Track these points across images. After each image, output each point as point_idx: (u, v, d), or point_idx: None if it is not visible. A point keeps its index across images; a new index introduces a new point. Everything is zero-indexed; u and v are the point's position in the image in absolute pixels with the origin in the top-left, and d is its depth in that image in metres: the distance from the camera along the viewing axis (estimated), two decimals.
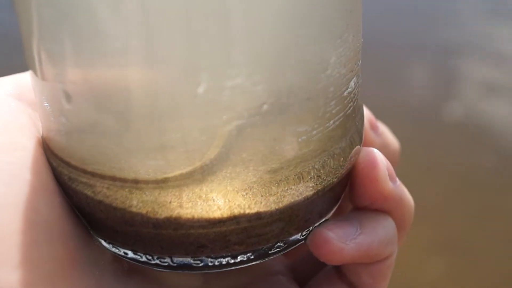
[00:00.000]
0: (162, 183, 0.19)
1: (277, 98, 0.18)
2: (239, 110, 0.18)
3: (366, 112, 0.26)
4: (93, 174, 0.20)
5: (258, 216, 0.20)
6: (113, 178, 0.20)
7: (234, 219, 0.20)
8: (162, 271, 0.22)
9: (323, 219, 0.23)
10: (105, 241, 0.22)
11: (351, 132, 0.22)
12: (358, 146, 0.23)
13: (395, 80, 1.21)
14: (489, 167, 0.97)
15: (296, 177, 0.20)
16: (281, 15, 0.17)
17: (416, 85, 1.20)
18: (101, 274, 0.22)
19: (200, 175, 0.19)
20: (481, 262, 0.80)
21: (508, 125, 1.05)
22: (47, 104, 0.20)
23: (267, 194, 0.20)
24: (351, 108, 0.21)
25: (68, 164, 0.20)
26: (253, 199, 0.20)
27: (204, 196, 0.19)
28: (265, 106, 0.18)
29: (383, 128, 0.26)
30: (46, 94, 0.20)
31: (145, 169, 0.19)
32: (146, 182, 0.19)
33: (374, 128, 0.26)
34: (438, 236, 0.84)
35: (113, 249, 0.22)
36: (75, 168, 0.20)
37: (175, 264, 0.21)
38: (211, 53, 0.17)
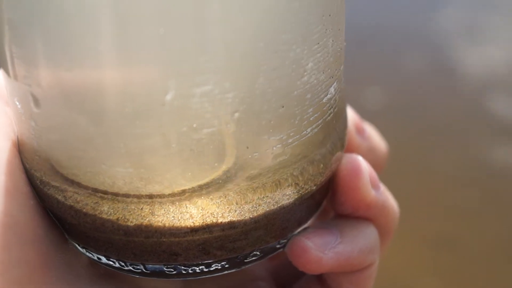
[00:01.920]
0: (133, 190, 0.19)
1: (249, 106, 0.18)
2: (209, 117, 0.17)
3: (352, 114, 0.25)
4: (63, 179, 0.19)
5: (231, 225, 0.19)
6: (83, 185, 0.19)
7: (206, 228, 0.19)
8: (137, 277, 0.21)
9: (302, 227, 0.22)
10: (78, 245, 0.22)
11: (332, 138, 0.21)
12: (340, 153, 0.22)
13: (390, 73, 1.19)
14: (480, 165, 0.96)
15: (273, 184, 0.20)
16: (252, 20, 0.17)
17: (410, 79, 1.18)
18: (75, 278, 0.22)
19: (171, 183, 0.18)
20: (470, 259, 0.80)
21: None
22: (18, 104, 0.20)
23: (242, 202, 0.19)
24: (331, 114, 0.21)
25: (39, 167, 0.20)
26: (227, 208, 0.19)
27: (177, 203, 0.19)
28: (236, 114, 0.18)
29: (370, 131, 0.26)
30: (17, 95, 0.19)
31: (114, 175, 0.18)
32: (117, 187, 0.19)
33: (360, 131, 0.25)
34: (428, 233, 0.83)
35: (88, 254, 0.22)
36: (46, 171, 0.20)
37: (148, 271, 0.21)
38: (178, 60, 0.16)
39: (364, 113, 0.26)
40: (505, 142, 1.02)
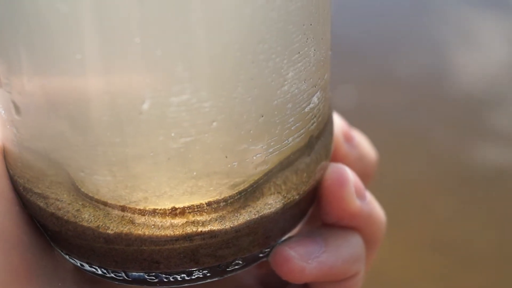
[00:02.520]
0: (112, 198, 0.19)
1: (228, 115, 0.18)
2: (186, 127, 0.17)
3: (340, 122, 0.25)
4: (45, 186, 0.19)
5: (212, 234, 0.19)
6: (64, 192, 0.19)
7: (187, 237, 0.19)
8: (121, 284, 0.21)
9: (287, 236, 0.22)
10: (62, 252, 0.22)
11: (316, 147, 0.21)
12: (325, 162, 0.22)
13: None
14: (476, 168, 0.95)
15: (255, 193, 0.19)
16: (229, 30, 0.17)
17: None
18: (61, 284, 0.22)
19: (150, 192, 0.18)
20: (467, 262, 0.79)
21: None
22: (1, 111, 0.20)
23: (223, 212, 0.19)
24: (315, 123, 0.20)
25: (22, 173, 0.20)
26: (208, 216, 0.19)
27: (157, 212, 0.19)
28: (214, 123, 0.17)
29: (359, 139, 0.25)
30: (0, 102, 0.19)
31: (94, 183, 0.18)
32: (97, 195, 0.19)
33: (348, 139, 0.25)
34: (423, 236, 0.83)
35: (71, 260, 0.22)
36: (28, 178, 0.20)
37: (130, 279, 0.21)
38: (155, 68, 0.16)
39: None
40: (494, 145, 1.01)
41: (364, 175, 0.24)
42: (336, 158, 0.24)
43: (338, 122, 0.25)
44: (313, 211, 0.24)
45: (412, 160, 0.97)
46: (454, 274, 0.77)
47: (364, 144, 0.26)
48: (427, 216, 0.86)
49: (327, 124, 0.22)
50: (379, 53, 1.26)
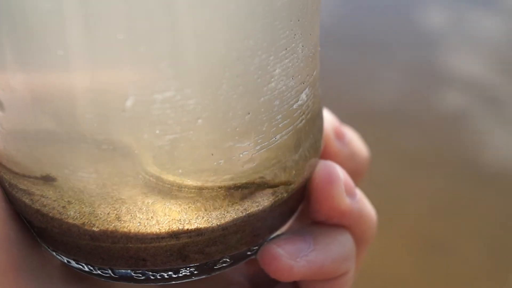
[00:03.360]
0: (99, 196, 0.18)
1: (213, 113, 0.17)
2: (171, 124, 0.17)
3: (331, 119, 0.25)
4: (30, 182, 0.19)
5: (198, 232, 0.19)
6: (49, 189, 0.19)
7: (173, 235, 0.19)
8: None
9: (275, 234, 0.22)
10: (48, 248, 0.21)
11: (305, 145, 0.21)
12: (314, 159, 0.22)
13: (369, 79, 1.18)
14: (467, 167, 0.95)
15: (242, 191, 0.19)
16: (213, 26, 0.16)
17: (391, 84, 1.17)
18: (48, 281, 0.22)
19: (138, 188, 0.18)
20: (455, 260, 0.79)
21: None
22: None
23: (210, 209, 0.19)
24: (303, 121, 0.20)
25: (7, 169, 0.20)
26: (195, 214, 0.19)
27: (143, 209, 0.19)
28: (199, 121, 0.17)
29: (350, 136, 0.25)
30: None
31: (79, 180, 0.18)
32: (83, 193, 0.19)
33: (339, 136, 0.25)
34: (413, 233, 0.83)
35: (58, 257, 0.21)
36: (14, 174, 0.20)
37: (117, 276, 0.21)
38: (138, 65, 0.16)
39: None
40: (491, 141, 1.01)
41: (355, 173, 0.24)
42: (327, 156, 0.24)
43: (329, 119, 0.25)
44: (302, 208, 0.23)
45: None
46: (448, 271, 0.77)
47: (355, 142, 0.25)
48: (421, 212, 0.86)
49: (316, 121, 0.22)
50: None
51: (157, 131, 0.17)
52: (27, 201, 0.19)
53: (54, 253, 0.21)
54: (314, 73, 0.20)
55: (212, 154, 0.18)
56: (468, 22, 1.27)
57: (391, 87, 1.12)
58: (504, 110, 1.06)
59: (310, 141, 0.21)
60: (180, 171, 0.18)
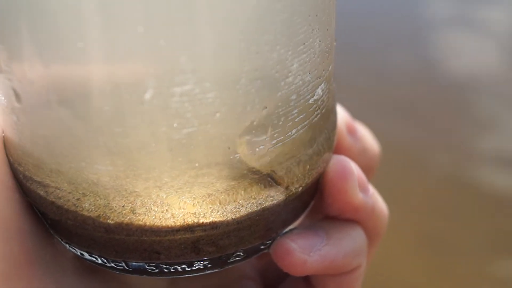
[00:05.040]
0: (114, 188, 0.18)
1: (231, 107, 0.17)
2: (189, 117, 0.17)
3: (343, 114, 0.25)
4: (45, 174, 0.19)
5: (213, 225, 0.19)
6: (65, 181, 0.19)
7: (188, 228, 0.19)
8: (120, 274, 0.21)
9: (288, 228, 0.22)
10: (62, 240, 0.21)
11: (319, 139, 0.21)
12: (328, 154, 0.22)
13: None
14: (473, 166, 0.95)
15: (257, 185, 0.19)
16: (233, 20, 0.16)
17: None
18: (61, 272, 0.22)
19: (153, 181, 0.18)
20: (460, 260, 0.79)
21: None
22: (1, 98, 0.19)
23: (225, 203, 0.19)
24: (318, 115, 0.20)
25: (22, 161, 0.20)
26: (210, 208, 0.19)
27: (158, 202, 0.19)
28: (217, 115, 0.17)
29: (362, 131, 0.25)
30: (0, 89, 0.19)
31: (95, 172, 0.18)
32: (98, 185, 0.19)
33: (351, 132, 0.25)
34: (418, 234, 0.83)
35: (71, 249, 0.21)
36: (29, 166, 0.20)
37: (131, 269, 0.21)
38: (158, 58, 0.16)
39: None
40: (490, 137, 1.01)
41: (367, 169, 0.24)
42: (339, 151, 0.24)
43: (342, 114, 0.25)
44: (314, 203, 0.23)
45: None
46: (448, 268, 0.77)
47: (367, 137, 0.25)
48: (422, 209, 0.86)
49: (330, 116, 0.22)
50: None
51: (175, 124, 0.17)
52: (41, 193, 0.20)
53: (67, 245, 0.21)
54: (330, 68, 0.20)
55: (229, 148, 0.18)
56: None
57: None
58: None
59: (324, 136, 0.21)
60: (196, 164, 0.18)
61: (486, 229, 0.84)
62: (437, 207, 0.88)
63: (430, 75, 1.15)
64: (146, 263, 0.20)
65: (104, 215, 0.19)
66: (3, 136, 0.21)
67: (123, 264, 0.21)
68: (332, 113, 0.22)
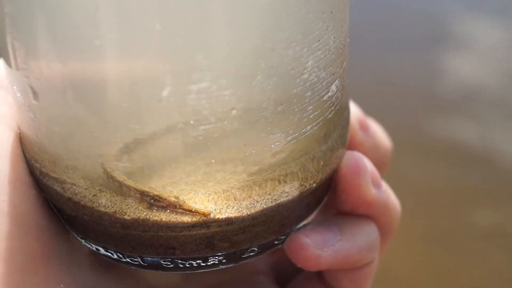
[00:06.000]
0: (130, 184, 0.19)
1: (247, 103, 0.18)
2: (205, 114, 0.17)
3: (356, 110, 0.25)
4: (62, 170, 0.19)
5: (228, 221, 0.19)
6: (81, 177, 0.19)
7: (203, 224, 0.19)
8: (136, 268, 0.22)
9: (302, 223, 0.22)
10: (78, 236, 0.22)
11: (333, 136, 0.21)
12: (341, 150, 0.22)
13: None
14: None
15: (272, 181, 0.19)
16: (249, 18, 0.16)
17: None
18: (77, 267, 0.22)
19: (170, 178, 0.18)
20: (466, 257, 0.79)
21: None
22: (18, 95, 0.20)
23: (240, 199, 0.19)
24: (332, 112, 0.20)
25: (39, 158, 0.20)
26: (225, 204, 0.19)
27: (174, 198, 0.19)
28: (234, 112, 0.17)
29: (374, 128, 0.25)
30: (17, 86, 0.19)
31: (112, 169, 0.18)
32: (115, 181, 0.19)
33: (364, 128, 0.25)
34: (422, 230, 0.83)
35: (87, 245, 0.22)
36: (45, 162, 0.20)
37: (146, 264, 0.21)
38: (175, 56, 0.16)
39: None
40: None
41: (379, 164, 0.24)
42: (351, 147, 0.24)
43: (354, 111, 0.25)
44: (327, 199, 0.24)
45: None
46: (451, 264, 0.77)
47: (379, 133, 0.26)
48: (424, 205, 0.86)
49: (344, 112, 0.22)
50: None
51: (192, 121, 0.17)
52: (58, 189, 0.20)
53: (83, 241, 0.22)
54: (344, 64, 0.21)
55: (245, 145, 0.18)
56: None
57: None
58: None
59: (338, 132, 0.21)
60: (212, 160, 0.18)
61: (487, 222, 0.84)
62: (441, 202, 0.87)
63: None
64: (161, 258, 0.20)
65: (120, 211, 0.19)
66: (20, 133, 0.21)
67: (139, 260, 0.21)
68: (346, 109, 0.22)
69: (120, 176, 0.18)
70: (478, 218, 0.84)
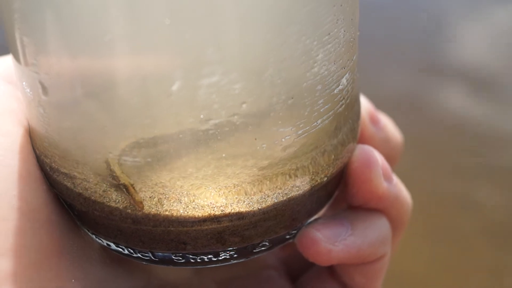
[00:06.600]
0: (141, 179, 0.19)
1: (257, 97, 0.17)
2: (216, 108, 0.17)
3: (366, 104, 0.25)
4: (72, 166, 0.19)
5: (239, 216, 0.19)
6: (91, 173, 0.19)
7: (214, 219, 0.19)
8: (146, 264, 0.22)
9: (313, 218, 0.22)
10: (88, 231, 0.22)
11: (344, 129, 0.21)
12: (352, 144, 0.22)
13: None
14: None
15: (283, 175, 0.19)
16: (260, 11, 0.16)
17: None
18: (88, 262, 0.22)
19: (180, 173, 0.18)
20: (468, 252, 0.79)
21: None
22: (27, 91, 0.20)
23: (251, 193, 0.19)
24: (343, 105, 0.20)
25: (48, 153, 0.20)
26: (236, 198, 0.19)
27: (185, 193, 0.19)
28: (244, 105, 0.17)
29: (385, 121, 0.25)
30: (26, 82, 0.19)
31: (122, 164, 0.18)
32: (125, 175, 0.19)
33: (374, 121, 0.25)
34: (425, 225, 0.82)
35: (97, 240, 0.22)
36: (55, 158, 0.20)
37: (157, 259, 0.21)
38: (185, 50, 0.16)
39: None
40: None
41: (390, 158, 0.24)
42: (362, 140, 0.24)
43: (364, 104, 0.24)
44: (338, 194, 0.24)
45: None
46: (453, 259, 0.77)
47: (390, 127, 0.25)
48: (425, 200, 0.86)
49: (355, 106, 0.22)
50: None
51: (202, 116, 0.17)
52: (68, 184, 0.20)
53: (93, 236, 0.22)
54: (354, 57, 0.20)
55: (256, 139, 0.18)
56: None
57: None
58: None
59: (348, 125, 0.21)
60: (223, 155, 0.18)
61: (489, 216, 0.84)
62: (445, 197, 0.87)
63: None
64: (172, 253, 0.20)
65: (131, 206, 0.19)
66: (29, 129, 0.21)
67: (150, 255, 0.21)
68: (356, 103, 0.22)
69: (116, 169, 0.18)
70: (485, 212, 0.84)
